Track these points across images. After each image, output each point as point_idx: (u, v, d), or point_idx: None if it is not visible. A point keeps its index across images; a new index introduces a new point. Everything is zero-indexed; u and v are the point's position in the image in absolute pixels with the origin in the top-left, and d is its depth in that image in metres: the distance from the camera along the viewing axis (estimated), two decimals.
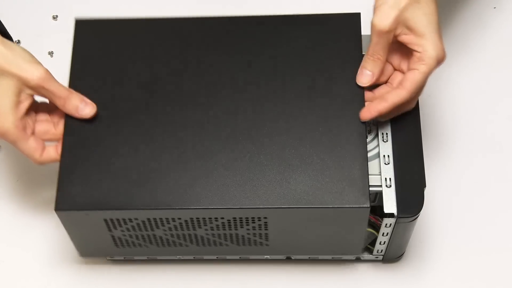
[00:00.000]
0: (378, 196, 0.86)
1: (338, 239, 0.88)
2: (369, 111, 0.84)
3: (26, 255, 0.98)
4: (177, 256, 0.96)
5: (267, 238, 0.86)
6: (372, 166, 0.87)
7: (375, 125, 0.89)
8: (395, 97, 0.84)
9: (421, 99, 0.91)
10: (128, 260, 0.97)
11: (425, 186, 0.86)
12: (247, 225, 0.84)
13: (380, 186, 0.86)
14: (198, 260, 0.97)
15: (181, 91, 0.86)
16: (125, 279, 0.97)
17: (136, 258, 0.97)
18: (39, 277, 0.97)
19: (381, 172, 0.86)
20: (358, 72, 0.86)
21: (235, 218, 0.83)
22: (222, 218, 0.83)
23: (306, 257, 0.96)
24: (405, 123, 0.89)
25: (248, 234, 0.85)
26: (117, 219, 0.84)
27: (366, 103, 0.85)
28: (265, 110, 0.85)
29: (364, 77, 0.86)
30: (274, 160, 0.83)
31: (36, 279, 0.97)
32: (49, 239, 0.98)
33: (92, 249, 0.90)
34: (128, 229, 0.85)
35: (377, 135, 0.89)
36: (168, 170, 0.83)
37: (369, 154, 0.88)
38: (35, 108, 0.86)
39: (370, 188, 0.86)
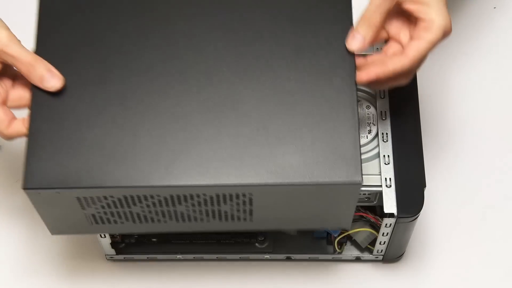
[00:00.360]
0: (378, 196, 0.86)
1: (326, 214, 0.82)
2: (367, 74, 0.79)
3: (26, 254, 0.98)
4: (177, 256, 0.96)
5: (251, 213, 0.81)
6: (372, 166, 0.87)
7: (375, 125, 0.89)
8: (397, 63, 0.80)
9: (421, 99, 0.91)
10: (128, 260, 0.97)
11: (425, 186, 0.86)
12: (231, 201, 0.78)
13: (380, 186, 0.86)
14: (198, 260, 0.97)
15: (158, 58, 0.80)
16: (125, 279, 0.97)
17: (136, 258, 0.97)
18: (39, 276, 0.97)
19: (381, 172, 0.86)
20: (349, 35, 0.79)
21: (218, 195, 0.78)
22: (204, 195, 0.77)
23: (306, 257, 0.96)
24: (405, 123, 0.89)
25: (232, 210, 0.80)
26: (91, 197, 0.78)
27: (358, 71, 0.80)
28: (249, 78, 0.79)
29: (355, 41, 0.79)
30: (259, 132, 0.77)
31: (35, 279, 0.97)
32: (48, 238, 0.98)
33: (64, 226, 0.84)
34: (102, 207, 0.79)
35: (377, 135, 0.89)
36: (145, 144, 0.77)
37: (369, 154, 0.88)
38: (13, 76, 0.81)
39: (370, 188, 0.86)
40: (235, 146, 0.77)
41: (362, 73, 0.79)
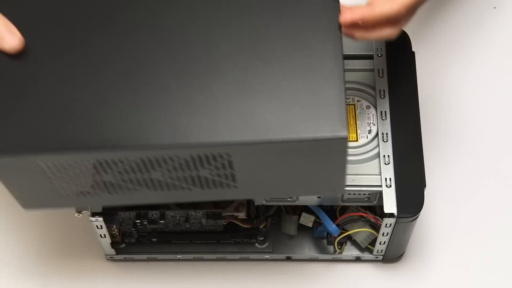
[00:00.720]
0: (378, 196, 0.86)
1: (315, 176, 0.76)
2: (351, 13, 0.74)
3: (26, 254, 0.98)
4: (177, 256, 0.96)
5: (234, 179, 0.74)
6: (372, 166, 0.87)
7: (375, 125, 0.89)
8: (385, 6, 0.76)
9: (421, 99, 0.91)
10: (128, 260, 0.97)
11: (425, 186, 0.86)
12: (209, 164, 0.72)
13: (380, 186, 0.86)
14: (198, 260, 0.97)
15: (125, 14, 0.74)
16: (125, 279, 0.97)
17: (136, 258, 0.97)
18: (39, 276, 0.97)
19: (381, 172, 0.86)
20: None
21: (192, 157, 0.71)
22: (178, 157, 0.71)
23: (306, 257, 0.96)
24: (405, 123, 0.89)
25: (212, 175, 0.74)
26: (54, 164, 0.71)
27: (342, 13, 0.74)
28: (223, 27, 0.73)
29: None
30: (235, 86, 0.70)
31: (35, 278, 0.97)
32: (48, 238, 0.98)
33: (35, 200, 0.78)
34: (69, 176, 0.73)
35: (377, 135, 0.89)
36: (111, 104, 0.71)
37: (369, 154, 0.88)
38: None
39: (370, 188, 0.86)
40: (210, 102, 0.71)
41: (347, 13, 0.75)
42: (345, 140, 0.70)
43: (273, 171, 0.75)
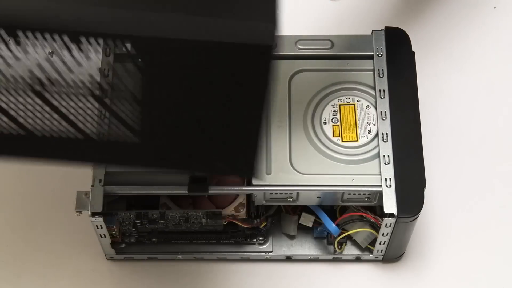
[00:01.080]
0: (378, 196, 0.87)
1: (228, 128, 0.64)
2: None
3: (26, 254, 0.98)
4: (177, 256, 0.96)
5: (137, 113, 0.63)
6: (372, 166, 0.87)
7: (375, 125, 0.89)
8: None
9: (421, 99, 0.91)
10: (128, 260, 0.97)
11: (425, 186, 0.86)
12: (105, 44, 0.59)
13: (380, 186, 0.86)
14: (198, 260, 0.97)
15: None
16: (125, 279, 0.97)
17: (136, 258, 0.97)
18: (38, 276, 0.97)
19: (381, 172, 0.86)
20: None
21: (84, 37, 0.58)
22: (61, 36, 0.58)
23: (306, 257, 0.96)
24: (405, 123, 0.89)
25: (114, 86, 0.62)
26: None
27: None
28: None
29: None
30: None
31: (35, 278, 0.97)
32: (47, 237, 0.98)
33: None
34: None
35: (377, 135, 0.89)
36: None
37: (369, 154, 0.88)
38: None
39: (370, 188, 0.86)
40: None
41: None
42: (271, 48, 0.55)
43: (188, 106, 0.63)
